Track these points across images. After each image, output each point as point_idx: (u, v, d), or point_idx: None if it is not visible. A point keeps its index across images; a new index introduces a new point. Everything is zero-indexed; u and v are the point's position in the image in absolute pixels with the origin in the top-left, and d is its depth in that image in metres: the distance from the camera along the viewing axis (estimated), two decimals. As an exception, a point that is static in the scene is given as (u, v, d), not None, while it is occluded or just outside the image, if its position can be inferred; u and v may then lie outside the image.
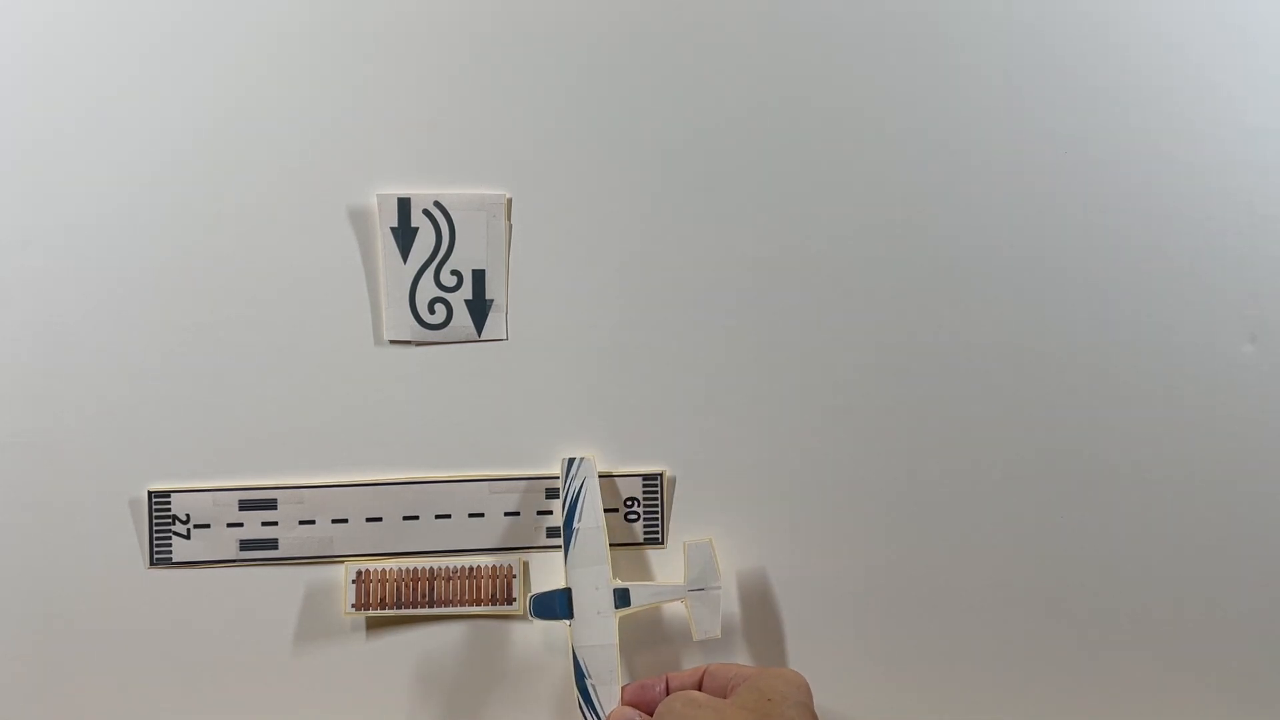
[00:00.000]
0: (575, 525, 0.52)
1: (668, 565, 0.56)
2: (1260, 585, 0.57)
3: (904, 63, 0.55)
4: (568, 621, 0.52)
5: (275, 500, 0.54)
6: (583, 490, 0.53)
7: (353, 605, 0.54)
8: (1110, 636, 0.57)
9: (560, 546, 0.54)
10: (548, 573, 0.55)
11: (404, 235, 0.54)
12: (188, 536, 0.54)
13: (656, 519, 0.55)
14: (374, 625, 0.55)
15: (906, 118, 0.55)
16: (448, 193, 0.54)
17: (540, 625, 0.55)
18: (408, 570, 0.54)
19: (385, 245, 0.54)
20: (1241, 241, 0.56)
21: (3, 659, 0.54)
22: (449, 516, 0.55)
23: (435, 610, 0.55)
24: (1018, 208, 0.56)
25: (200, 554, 0.54)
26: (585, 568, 0.52)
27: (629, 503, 0.55)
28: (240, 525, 0.54)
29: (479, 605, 0.55)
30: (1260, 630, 0.57)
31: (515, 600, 0.55)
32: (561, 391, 0.55)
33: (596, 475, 0.53)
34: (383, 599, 0.54)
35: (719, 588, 0.53)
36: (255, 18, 0.53)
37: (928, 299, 0.55)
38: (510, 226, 0.54)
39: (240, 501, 0.54)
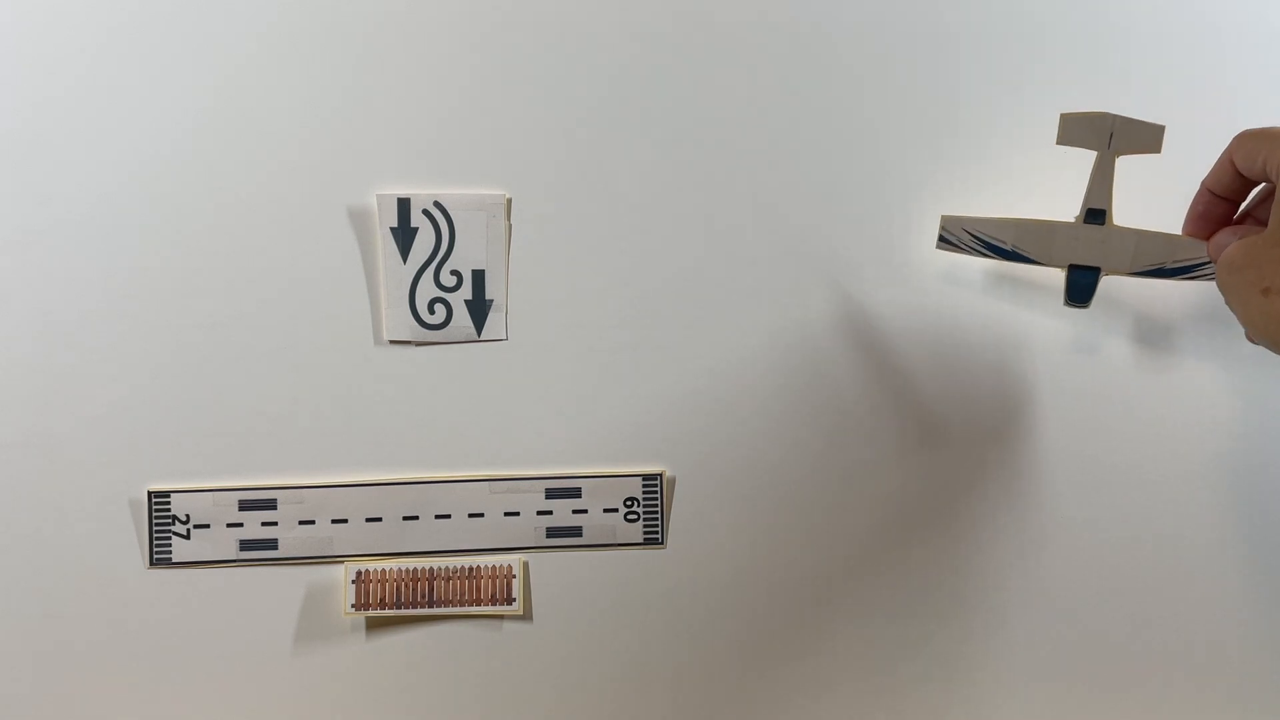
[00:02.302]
0: (1008, 246, 0.51)
1: (668, 565, 0.56)
2: (1260, 586, 0.57)
3: (906, 66, 0.55)
4: (1103, 274, 0.51)
5: (275, 500, 0.54)
6: (972, 231, 0.51)
7: (353, 605, 0.54)
8: (1114, 635, 0.57)
9: (562, 546, 0.55)
10: (548, 573, 0.55)
11: (404, 235, 0.54)
12: (187, 537, 0.54)
13: (656, 519, 0.55)
14: (374, 625, 0.55)
15: (908, 120, 0.55)
16: (447, 193, 0.54)
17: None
18: (408, 570, 0.54)
19: (385, 245, 0.54)
20: (1241, 241, 0.56)
21: (3, 659, 0.54)
22: (449, 516, 0.55)
23: (435, 610, 0.55)
24: (1017, 205, 0.56)
25: (200, 554, 0.54)
26: (1052, 243, 0.51)
27: (629, 503, 0.55)
28: (240, 525, 0.54)
29: (479, 605, 0.55)
30: (1258, 634, 0.57)
31: (515, 600, 0.55)
32: (561, 391, 0.55)
33: (962, 214, 0.52)
34: (383, 599, 0.54)
35: (1112, 114, 0.49)
36: (255, 18, 0.53)
37: (928, 299, 0.55)
38: (510, 226, 0.54)
39: (240, 501, 0.54)
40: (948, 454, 0.56)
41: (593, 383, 0.55)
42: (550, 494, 0.55)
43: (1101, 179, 0.50)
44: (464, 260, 0.54)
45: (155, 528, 0.54)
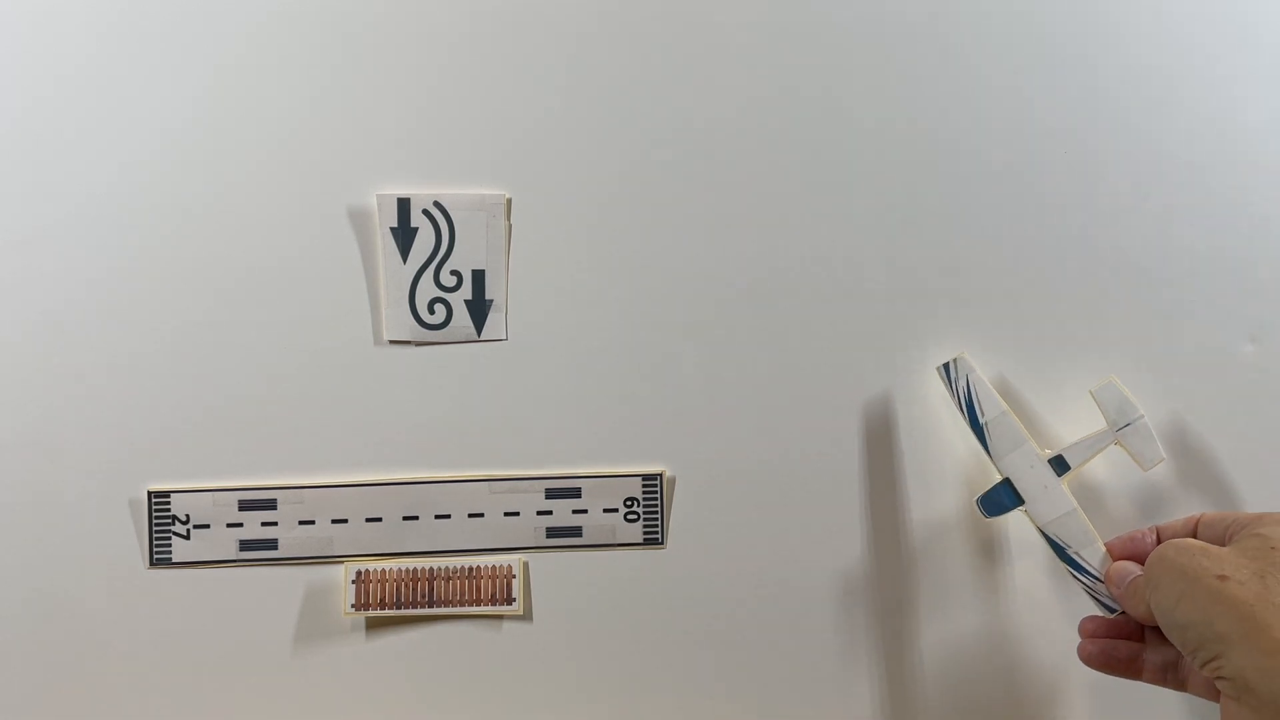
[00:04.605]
0: (982, 420, 0.52)
1: (668, 565, 0.55)
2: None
3: (906, 64, 0.55)
4: (1022, 508, 0.52)
5: (275, 500, 0.54)
6: (970, 385, 0.52)
7: (353, 605, 0.54)
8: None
9: (562, 546, 0.55)
10: (548, 573, 0.55)
11: (404, 235, 0.54)
12: (187, 537, 0.54)
13: (656, 519, 0.55)
14: (374, 625, 0.55)
15: (908, 119, 0.55)
16: (447, 193, 0.54)
17: (546, 626, 0.55)
18: (408, 570, 0.54)
19: (385, 245, 0.54)
20: (1241, 241, 0.56)
21: (3, 659, 0.54)
22: (449, 516, 0.55)
23: (435, 610, 0.55)
24: (1017, 207, 0.56)
25: (200, 554, 0.54)
26: (1011, 454, 0.52)
27: (629, 503, 0.55)
28: (240, 525, 0.54)
29: (479, 605, 0.55)
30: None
31: (515, 600, 0.55)
32: (561, 391, 0.55)
33: (976, 369, 0.52)
34: (383, 599, 0.54)
35: (1142, 416, 0.51)
36: (255, 17, 0.53)
37: (927, 300, 0.55)
38: (510, 226, 0.54)
39: (240, 502, 0.54)
40: (950, 451, 0.56)
41: (593, 383, 0.55)
42: (550, 494, 0.55)
43: (1090, 446, 0.52)
44: (464, 260, 0.54)
45: (155, 528, 0.54)
